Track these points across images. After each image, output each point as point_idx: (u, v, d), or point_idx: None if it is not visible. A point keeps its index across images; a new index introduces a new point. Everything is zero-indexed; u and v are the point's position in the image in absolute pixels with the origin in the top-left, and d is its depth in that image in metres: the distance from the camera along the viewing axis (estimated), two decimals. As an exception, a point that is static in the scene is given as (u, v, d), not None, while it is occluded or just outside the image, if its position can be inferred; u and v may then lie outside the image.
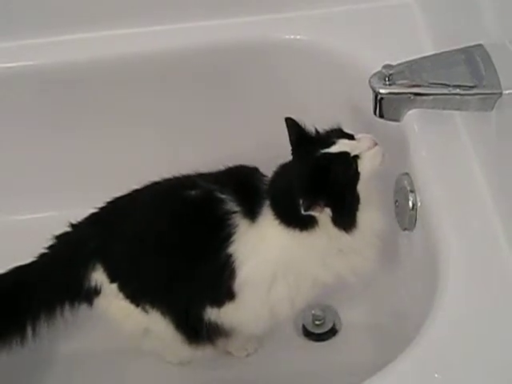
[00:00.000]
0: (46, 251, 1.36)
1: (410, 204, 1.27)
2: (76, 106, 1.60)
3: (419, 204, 1.26)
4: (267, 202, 1.24)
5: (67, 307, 1.35)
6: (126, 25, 1.54)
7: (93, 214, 1.36)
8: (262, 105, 1.59)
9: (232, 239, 1.24)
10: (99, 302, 1.35)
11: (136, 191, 1.34)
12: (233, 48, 1.54)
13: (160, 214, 1.29)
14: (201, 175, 1.31)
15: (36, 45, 1.55)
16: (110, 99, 1.59)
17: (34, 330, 1.35)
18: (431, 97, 1.15)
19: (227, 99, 1.61)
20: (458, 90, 1.13)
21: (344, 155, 1.20)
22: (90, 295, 1.35)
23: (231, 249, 1.24)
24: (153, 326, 1.35)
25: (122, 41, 1.54)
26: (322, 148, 1.20)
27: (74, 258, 1.33)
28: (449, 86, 1.13)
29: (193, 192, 1.27)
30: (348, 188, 1.20)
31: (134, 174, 1.67)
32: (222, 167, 1.32)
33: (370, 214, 1.24)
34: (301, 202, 1.16)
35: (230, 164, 1.32)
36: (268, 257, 1.25)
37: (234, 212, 1.24)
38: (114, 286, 1.33)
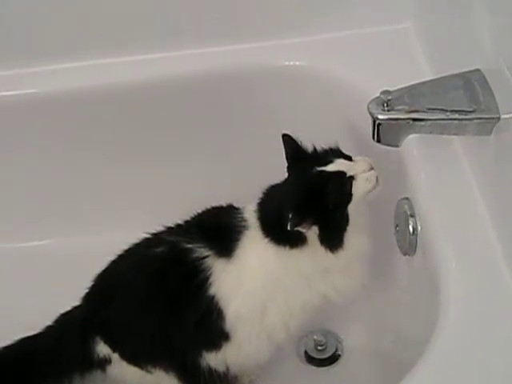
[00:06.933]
0: (51, 324, 1.39)
1: (411, 229, 1.27)
2: (72, 135, 1.62)
3: (419, 228, 1.26)
4: (245, 233, 1.26)
5: (78, 378, 1.38)
6: (122, 53, 1.55)
7: (86, 293, 1.38)
8: (260, 131, 1.60)
9: (209, 282, 1.25)
10: (112, 370, 1.38)
11: (113, 262, 1.35)
12: (231, 75, 1.54)
13: (138, 279, 1.31)
14: (169, 229, 1.33)
15: (32, 73, 1.56)
16: (100, 129, 1.61)
17: None
18: (429, 122, 1.16)
19: (225, 126, 1.62)
20: (456, 115, 1.14)
21: (340, 175, 1.21)
22: (102, 365, 1.37)
23: (212, 291, 1.25)
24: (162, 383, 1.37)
25: (115, 69, 1.55)
26: (319, 166, 1.21)
27: (75, 335, 1.36)
28: (447, 111, 1.14)
29: (160, 249, 1.29)
30: (339, 208, 1.20)
31: (135, 204, 1.68)
32: (197, 211, 1.34)
33: (357, 236, 1.24)
34: (290, 216, 1.16)
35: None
36: (253, 287, 1.26)
37: (205, 257, 1.25)
38: (117, 354, 1.36)
